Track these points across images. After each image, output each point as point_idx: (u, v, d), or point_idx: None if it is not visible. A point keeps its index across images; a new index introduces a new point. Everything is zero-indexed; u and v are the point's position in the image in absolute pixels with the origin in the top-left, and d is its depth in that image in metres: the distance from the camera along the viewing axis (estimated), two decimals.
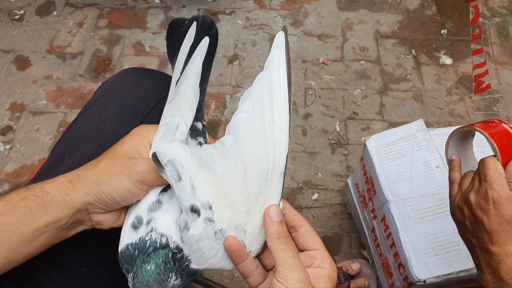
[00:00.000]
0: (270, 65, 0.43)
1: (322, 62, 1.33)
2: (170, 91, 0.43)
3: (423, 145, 0.81)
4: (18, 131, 1.17)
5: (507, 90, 1.30)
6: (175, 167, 0.36)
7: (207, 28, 0.43)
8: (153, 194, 0.40)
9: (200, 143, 0.42)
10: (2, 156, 1.13)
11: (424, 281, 0.69)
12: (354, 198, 0.97)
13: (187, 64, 0.42)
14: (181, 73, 0.42)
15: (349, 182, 0.99)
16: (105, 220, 0.41)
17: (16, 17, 1.43)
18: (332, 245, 1.01)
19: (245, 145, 0.39)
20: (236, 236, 0.38)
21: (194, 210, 0.37)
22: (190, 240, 0.37)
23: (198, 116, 0.43)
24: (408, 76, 1.31)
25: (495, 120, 0.52)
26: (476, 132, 0.53)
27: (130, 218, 0.39)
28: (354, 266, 0.90)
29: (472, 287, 0.76)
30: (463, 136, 0.58)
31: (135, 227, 0.38)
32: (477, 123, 0.53)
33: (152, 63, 1.31)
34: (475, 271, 0.68)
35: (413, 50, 1.37)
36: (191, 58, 0.42)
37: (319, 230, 1.03)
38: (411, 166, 0.79)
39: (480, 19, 0.48)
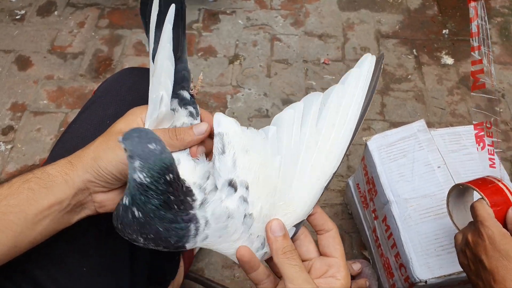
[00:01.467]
0: (350, 80, 0.42)
1: (323, 62, 1.33)
2: (150, 66, 0.43)
3: (424, 145, 0.81)
4: (19, 131, 1.17)
5: (509, 90, 1.29)
6: (222, 140, 0.37)
7: None
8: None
9: (191, 112, 0.42)
10: (4, 156, 1.13)
11: (425, 282, 0.69)
12: (355, 198, 0.97)
13: (158, 35, 0.41)
14: (154, 45, 0.42)
15: (350, 183, 0.98)
16: (107, 201, 0.41)
17: (17, 17, 1.43)
18: None
19: (285, 140, 0.39)
20: (261, 229, 0.37)
21: (232, 185, 0.36)
22: (221, 211, 0.36)
23: (183, 85, 0.42)
24: (409, 76, 1.31)
25: (492, 179, 0.55)
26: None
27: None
28: (355, 267, 0.90)
29: None
30: (463, 190, 0.61)
31: None
32: (473, 181, 0.57)
33: None
34: None
35: (414, 50, 1.37)
36: (163, 27, 0.41)
37: None
38: (412, 166, 0.79)
39: (478, 21, 0.49)
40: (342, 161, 0.40)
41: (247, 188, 0.37)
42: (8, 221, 0.37)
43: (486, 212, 0.50)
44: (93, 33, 1.39)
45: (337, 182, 1.10)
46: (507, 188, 0.53)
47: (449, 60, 1.35)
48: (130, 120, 0.42)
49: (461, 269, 0.68)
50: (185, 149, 0.41)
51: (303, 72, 1.31)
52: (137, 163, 0.33)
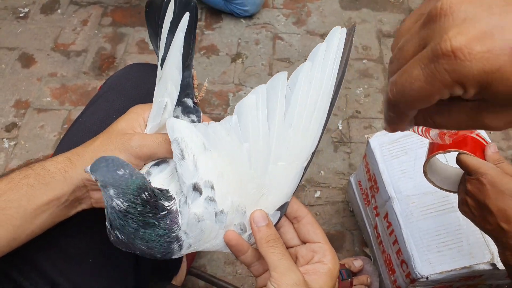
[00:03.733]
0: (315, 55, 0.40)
1: None
2: (158, 70, 0.43)
3: (426, 142, 0.81)
4: (22, 128, 1.18)
5: None
6: (179, 145, 0.36)
7: (186, 3, 0.42)
8: (145, 168, 0.40)
9: (193, 121, 0.42)
10: (7, 153, 1.14)
11: (427, 278, 0.70)
12: (357, 196, 0.97)
13: (169, 41, 0.42)
14: (165, 51, 0.42)
15: (352, 180, 0.99)
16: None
17: (21, 15, 1.44)
18: (334, 242, 1.01)
19: (250, 126, 0.38)
20: (236, 218, 0.37)
21: (196, 189, 0.36)
22: (190, 219, 0.36)
23: (188, 92, 0.42)
24: None
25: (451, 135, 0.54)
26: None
27: None
28: (357, 263, 0.91)
29: (474, 284, 0.76)
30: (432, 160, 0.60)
31: None
32: (441, 146, 0.55)
33: (155, 61, 1.31)
34: (477, 267, 0.69)
35: None
36: (175, 34, 0.41)
37: (322, 228, 1.03)
38: (414, 163, 0.80)
39: None
40: (320, 139, 0.39)
41: (212, 187, 0.37)
42: (8, 215, 0.37)
43: (476, 160, 0.51)
44: (96, 31, 1.40)
45: (339, 180, 1.11)
46: (473, 133, 0.53)
47: None
48: (132, 119, 0.42)
49: (462, 266, 0.69)
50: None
51: None
52: (111, 191, 0.34)
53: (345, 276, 0.87)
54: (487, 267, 0.68)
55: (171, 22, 0.42)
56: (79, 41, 1.37)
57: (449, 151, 0.53)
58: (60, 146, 0.53)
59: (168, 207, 0.36)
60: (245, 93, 1.26)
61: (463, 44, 0.19)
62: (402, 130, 0.26)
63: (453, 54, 0.20)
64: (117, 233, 0.36)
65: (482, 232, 0.71)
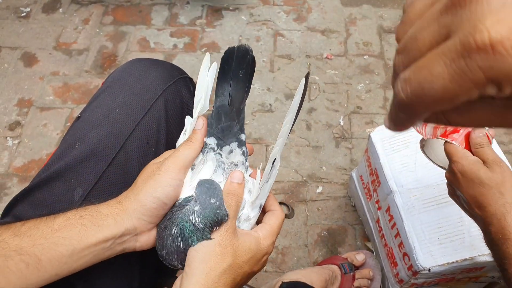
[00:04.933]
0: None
1: (326, 57, 1.34)
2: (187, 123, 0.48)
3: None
4: (26, 126, 1.19)
5: None
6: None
7: (243, 56, 0.47)
8: (188, 191, 0.45)
9: (244, 152, 0.48)
10: (11, 151, 1.15)
11: (429, 270, 0.70)
12: (359, 190, 0.98)
13: (223, 89, 0.48)
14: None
15: (354, 175, 0.99)
16: (151, 239, 0.44)
17: (22, 14, 1.45)
18: (336, 237, 1.02)
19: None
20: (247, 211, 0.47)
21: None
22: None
23: (242, 128, 0.47)
24: None
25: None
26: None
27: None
28: (359, 257, 0.91)
29: (476, 276, 0.77)
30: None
31: None
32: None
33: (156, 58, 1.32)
34: (479, 259, 0.69)
35: None
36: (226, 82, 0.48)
37: (323, 223, 1.04)
38: (415, 156, 0.80)
39: None
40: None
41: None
42: (58, 252, 0.39)
43: (453, 148, 0.52)
44: (97, 30, 1.41)
45: (341, 175, 1.11)
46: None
47: None
48: (164, 153, 0.47)
49: (464, 258, 0.70)
50: (200, 145, 0.46)
51: (306, 67, 1.32)
52: (197, 208, 0.40)
53: (348, 270, 0.88)
54: (489, 258, 0.69)
55: (225, 72, 0.47)
56: (80, 40, 1.38)
57: (439, 138, 0.54)
58: (64, 141, 0.54)
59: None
60: None
61: (505, 35, 0.15)
62: (402, 131, 0.24)
63: (491, 48, 0.16)
64: (181, 243, 0.40)
65: None
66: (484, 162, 0.50)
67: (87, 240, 0.40)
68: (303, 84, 0.45)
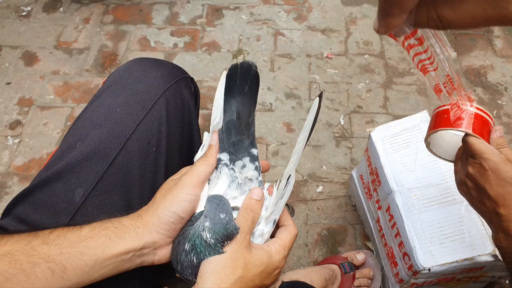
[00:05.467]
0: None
1: (326, 56, 1.34)
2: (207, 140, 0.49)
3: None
4: (26, 125, 1.19)
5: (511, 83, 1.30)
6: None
7: (246, 72, 0.48)
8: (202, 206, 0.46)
9: (257, 167, 0.49)
10: (11, 150, 1.15)
11: (429, 270, 0.70)
12: (359, 190, 0.98)
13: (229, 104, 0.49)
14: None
15: (354, 174, 0.99)
16: (169, 254, 0.45)
17: (23, 13, 1.45)
18: (337, 236, 1.02)
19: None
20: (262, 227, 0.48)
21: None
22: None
23: (254, 143, 0.49)
24: (412, 70, 1.31)
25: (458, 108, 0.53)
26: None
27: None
28: (359, 257, 0.91)
29: (476, 276, 0.77)
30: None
31: None
32: (444, 121, 0.54)
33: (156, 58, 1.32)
34: (479, 259, 0.69)
35: None
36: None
37: (324, 222, 1.04)
38: (415, 156, 0.80)
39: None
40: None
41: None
42: (82, 261, 0.40)
43: (482, 144, 0.51)
44: (98, 29, 1.41)
45: (341, 174, 1.11)
46: (479, 110, 0.52)
47: (452, 54, 1.35)
48: (182, 170, 0.49)
49: (464, 257, 0.70)
50: (215, 160, 0.48)
51: (306, 66, 1.32)
52: (207, 223, 0.41)
53: (348, 270, 0.88)
54: (489, 258, 0.69)
55: (231, 87, 0.48)
56: (81, 39, 1.38)
57: (456, 130, 0.53)
58: (64, 140, 0.54)
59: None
60: None
61: None
62: (395, 30, 0.21)
63: None
64: (194, 258, 0.42)
65: (483, 223, 0.71)
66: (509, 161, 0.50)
67: (110, 251, 0.41)
68: (317, 103, 0.46)
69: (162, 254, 0.45)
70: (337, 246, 1.01)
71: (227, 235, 0.41)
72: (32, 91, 1.26)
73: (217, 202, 0.42)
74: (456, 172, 0.57)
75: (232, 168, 0.47)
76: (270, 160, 1.13)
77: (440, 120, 0.54)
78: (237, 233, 0.42)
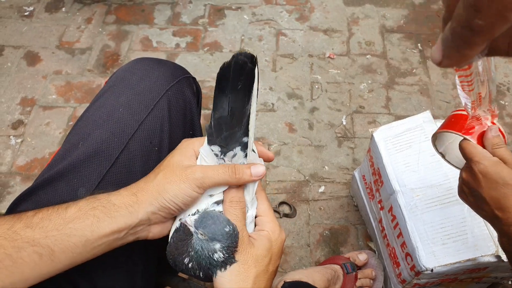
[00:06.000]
0: None
1: (328, 57, 1.34)
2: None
3: (430, 136, 0.81)
4: (29, 125, 1.19)
5: None
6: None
7: (241, 68, 0.45)
8: (204, 203, 0.45)
9: (247, 154, 0.46)
10: (14, 150, 1.15)
11: (432, 270, 0.70)
12: (361, 190, 0.97)
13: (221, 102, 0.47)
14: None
15: (356, 174, 0.99)
16: (162, 230, 0.45)
17: (26, 13, 1.45)
18: (339, 237, 1.02)
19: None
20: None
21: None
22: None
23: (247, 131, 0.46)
24: (414, 70, 1.31)
25: (460, 113, 0.53)
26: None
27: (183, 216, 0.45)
28: (361, 257, 0.91)
29: (479, 276, 0.77)
30: (443, 135, 0.59)
31: None
32: (447, 123, 0.55)
33: (158, 57, 1.33)
34: (482, 260, 0.69)
35: (419, 44, 1.37)
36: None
37: (326, 222, 1.04)
38: (418, 156, 0.80)
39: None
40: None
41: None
42: (71, 243, 0.40)
43: (473, 147, 0.50)
44: (100, 29, 1.41)
45: (343, 174, 1.11)
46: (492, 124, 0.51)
47: None
48: (183, 152, 0.45)
49: (467, 258, 0.69)
50: (237, 185, 0.44)
51: (308, 66, 1.32)
52: (217, 246, 0.40)
53: (350, 270, 0.88)
54: (492, 259, 0.68)
55: (222, 87, 0.45)
56: (83, 39, 1.38)
57: (452, 132, 0.52)
58: (67, 140, 0.54)
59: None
60: None
61: None
62: (461, 63, 0.17)
63: None
64: (200, 273, 0.42)
65: (486, 224, 0.71)
66: (504, 162, 0.49)
67: (99, 231, 0.40)
68: (257, 70, 0.45)
69: (157, 231, 0.44)
70: (339, 247, 1.00)
71: (236, 243, 0.41)
72: (34, 91, 1.26)
73: (211, 221, 0.41)
74: (459, 180, 0.57)
75: (223, 159, 0.45)
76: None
77: (450, 123, 0.54)
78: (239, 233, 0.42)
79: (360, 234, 1.02)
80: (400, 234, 0.78)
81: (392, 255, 0.84)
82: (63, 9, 1.46)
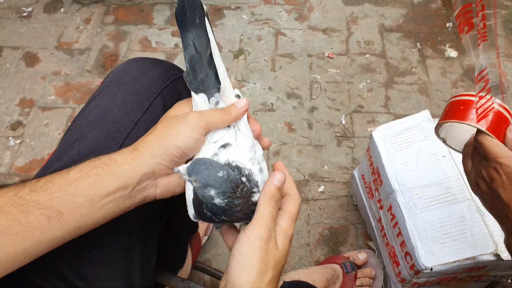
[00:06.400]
0: None
1: (328, 56, 1.34)
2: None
3: (429, 135, 0.81)
4: (28, 126, 1.19)
5: None
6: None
7: (193, 2, 0.47)
8: (211, 150, 0.44)
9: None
10: (13, 151, 1.15)
11: (431, 269, 0.70)
12: (360, 189, 0.97)
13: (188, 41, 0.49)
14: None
15: (355, 174, 0.99)
16: (170, 184, 0.44)
17: (24, 14, 1.45)
18: (338, 236, 1.02)
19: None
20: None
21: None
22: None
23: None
24: (413, 69, 1.31)
25: (469, 98, 0.51)
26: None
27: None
28: (361, 256, 0.91)
29: (478, 275, 0.77)
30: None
31: None
32: (458, 112, 0.52)
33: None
34: (481, 258, 0.69)
35: (418, 44, 1.37)
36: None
37: (325, 222, 1.04)
38: (417, 156, 0.80)
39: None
40: None
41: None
42: (77, 203, 0.39)
43: (497, 146, 0.48)
44: (99, 29, 1.41)
45: (342, 174, 1.11)
46: (502, 107, 0.49)
47: (453, 53, 1.35)
48: (178, 108, 0.46)
49: (466, 257, 0.69)
50: (233, 122, 0.45)
51: (307, 66, 1.32)
52: (213, 192, 0.39)
53: (350, 269, 0.88)
54: (491, 257, 0.68)
55: (183, 22, 0.47)
56: (82, 39, 1.38)
57: (469, 125, 0.50)
58: (63, 141, 0.54)
59: (256, 191, 0.42)
60: (248, 89, 1.27)
61: None
62: None
63: None
64: (217, 219, 0.41)
65: (485, 223, 0.71)
66: None
67: (103, 189, 0.40)
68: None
69: (164, 186, 0.44)
70: (338, 246, 1.00)
71: (236, 185, 0.39)
72: (33, 92, 1.26)
73: (204, 167, 0.39)
74: (467, 174, 0.55)
75: (210, 108, 0.46)
76: (272, 160, 1.13)
77: (454, 111, 0.51)
78: (241, 178, 0.40)
79: (360, 233, 1.02)
80: (399, 233, 0.78)
81: (392, 254, 0.84)
82: (62, 9, 1.46)
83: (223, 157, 0.43)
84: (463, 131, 0.56)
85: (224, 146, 0.44)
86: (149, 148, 0.42)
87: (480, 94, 0.50)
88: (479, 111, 0.50)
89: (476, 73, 0.50)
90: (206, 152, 0.43)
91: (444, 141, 0.58)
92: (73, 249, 0.47)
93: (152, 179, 0.43)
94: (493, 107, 0.49)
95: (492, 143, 0.49)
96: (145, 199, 0.44)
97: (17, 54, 1.34)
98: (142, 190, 0.42)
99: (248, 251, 0.39)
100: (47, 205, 0.38)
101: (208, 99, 0.46)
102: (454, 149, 0.59)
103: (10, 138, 1.17)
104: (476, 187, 0.54)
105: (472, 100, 0.51)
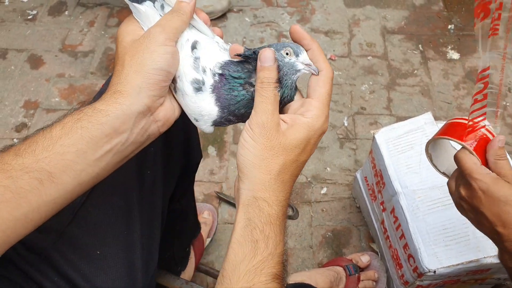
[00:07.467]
0: None
1: (330, 58, 1.34)
2: None
3: (431, 136, 0.81)
4: (32, 128, 1.20)
5: None
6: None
7: None
8: (188, 58, 0.42)
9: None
10: None
11: (434, 272, 0.70)
12: (363, 191, 0.98)
13: None
14: None
15: (358, 176, 1.00)
16: (168, 112, 0.41)
17: (29, 17, 1.46)
18: (341, 238, 1.02)
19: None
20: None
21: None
22: None
23: None
24: (415, 71, 1.31)
25: (459, 121, 0.52)
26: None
27: (186, 83, 0.41)
28: (364, 259, 0.91)
29: (482, 278, 0.77)
30: (438, 141, 0.58)
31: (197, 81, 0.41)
32: (444, 130, 0.54)
33: None
34: (484, 261, 0.69)
35: (420, 46, 1.38)
36: None
37: (328, 224, 1.04)
38: (420, 158, 0.80)
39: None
40: None
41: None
42: (68, 161, 0.36)
43: (472, 162, 0.49)
44: (102, 32, 1.42)
45: (345, 176, 1.11)
46: (488, 131, 0.51)
47: (455, 55, 1.35)
48: (125, 33, 0.42)
49: (470, 259, 0.70)
50: (191, 18, 0.42)
51: None
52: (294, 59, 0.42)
53: (353, 272, 0.88)
54: (495, 260, 0.69)
55: None
56: (86, 42, 1.39)
57: (454, 141, 0.51)
58: None
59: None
60: None
61: None
62: None
63: None
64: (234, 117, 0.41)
65: None
66: (502, 176, 0.48)
67: (95, 141, 0.37)
68: None
69: (163, 116, 0.41)
70: (341, 248, 1.01)
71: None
72: (37, 94, 1.27)
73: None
74: (451, 194, 0.56)
75: (160, 15, 0.43)
76: None
77: (447, 130, 0.53)
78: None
79: (363, 235, 1.02)
80: (402, 236, 0.78)
81: (395, 257, 0.84)
82: (66, 12, 1.47)
83: (204, 62, 0.41)
84: (452, 153, 0.56)
85: (194, 46, 0.42)
86: (131, 84, 0.38)
87: (474, 118, 0.51)
88: (468, 133, 0.50)
89: (479, 70, 0.51)
90: (185, 63, 0.41)
91: (431, 159, 0.60)
92: (76, 248, 0.48)
93: (149, 115, 0.40)
94: (482, 131, 0.50)
95: (469, 159, 0.49)
96: (149, 138, 0.41)
97: (22, 57, 1.35)
98: (144, 131, 0.40)
99: (248, 134, 0.39)
100: (35, 167, 0.36)
101: (153, 3, 0.42)
102: (438, 170, 0.60)
103: (14, 140, 1.18)
104: (460, 207, 0.54)
105: (462, 123, 0.52)
